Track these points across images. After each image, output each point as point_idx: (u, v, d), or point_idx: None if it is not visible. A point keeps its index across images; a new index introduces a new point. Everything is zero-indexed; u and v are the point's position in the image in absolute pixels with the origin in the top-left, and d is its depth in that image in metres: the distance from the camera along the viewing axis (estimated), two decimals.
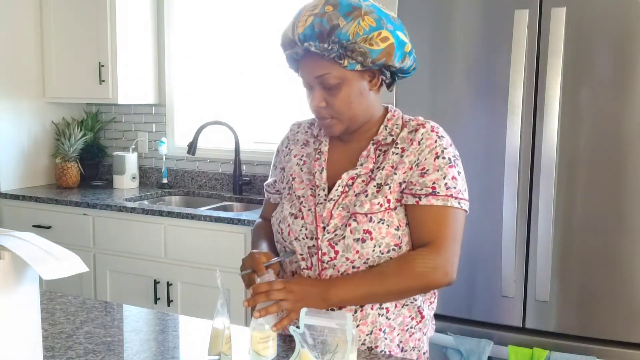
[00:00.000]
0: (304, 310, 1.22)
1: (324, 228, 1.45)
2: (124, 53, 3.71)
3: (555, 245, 2.22)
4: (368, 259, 1.42)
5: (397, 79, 1.49)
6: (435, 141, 1.44)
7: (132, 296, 3.30)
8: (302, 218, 1.48)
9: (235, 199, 3.63)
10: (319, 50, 1.36)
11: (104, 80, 3.68)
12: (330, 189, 1.48)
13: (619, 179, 2.15)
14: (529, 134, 2.24)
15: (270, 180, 1.67)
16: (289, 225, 1.50)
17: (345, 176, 1.47)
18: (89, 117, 4.11)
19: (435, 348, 2.37)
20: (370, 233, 1.41)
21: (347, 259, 1.43)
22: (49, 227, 3.54)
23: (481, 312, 2.37)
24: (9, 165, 3.78)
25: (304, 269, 1.48)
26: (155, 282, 3.25)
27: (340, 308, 1.43)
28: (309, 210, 1.48)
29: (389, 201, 1.43)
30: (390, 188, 1.43)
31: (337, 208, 1.45)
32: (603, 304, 2.20)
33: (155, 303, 3.26)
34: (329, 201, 1.46)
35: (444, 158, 1.43)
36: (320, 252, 1.45)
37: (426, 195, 1.41)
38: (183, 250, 3.19)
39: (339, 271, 1.44)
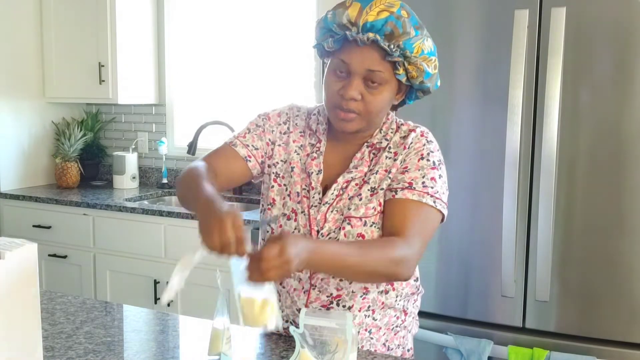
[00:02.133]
0: (303, 310, 1.22)
1: (317, 231, 1.44)
2: (124, 53, 3.71)
3: (555, 245, 2.22)
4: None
5: (405, 103, 1.49)
6: (424, 145, 1.45)
7: (132, 296, 3.30)
8: (295, 220, 1.46)
9: (235, 199, 3.63)
10: (383, 47, 1.32)
11: (104, 80, 3.68)
12: (323, 191, 1.47)
13: (619, 179, 2.15)
14: (529, 134, 2.24)
15: (244, 135, 1.53)
16: (280, 226, 1.48)
17: (341, 180, 1.45)
18: (89, 117, 4.11)
19: (435, 348, 2.37)
20: (363, 237, 1.41)
21: None
22: (49, 227, 3.54)
23: (481, 312, 2.37)
24: (9, 165, 3.78)
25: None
26: (155, 282, 3.25)
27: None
28: (302, 212, 1.46)
29: (380, 204, 1.43)
30: (383, 191, 1.43)
31: (332, 211, 1.44)
32: (603, 304, 2.20)
33: (155, 303, 3.26)
34: (323, 204, 1.45)
35: (428, 160, 1.43)
36: None
37: (402, 189, 1.40)
38: (183, 250, 3.18)
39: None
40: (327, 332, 1.19)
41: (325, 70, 1.43)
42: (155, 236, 3.25)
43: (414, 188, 1.40)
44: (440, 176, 1.44)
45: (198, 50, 3.92)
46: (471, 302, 2.38)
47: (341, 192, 1.45)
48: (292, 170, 1.50)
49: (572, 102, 2.18)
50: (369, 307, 1.46)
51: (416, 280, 1.56)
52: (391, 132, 1.48)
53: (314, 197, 1.46)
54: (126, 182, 3.88)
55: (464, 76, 2.35)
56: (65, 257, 3.52)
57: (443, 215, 1.43)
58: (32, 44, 3.84)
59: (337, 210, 1.44)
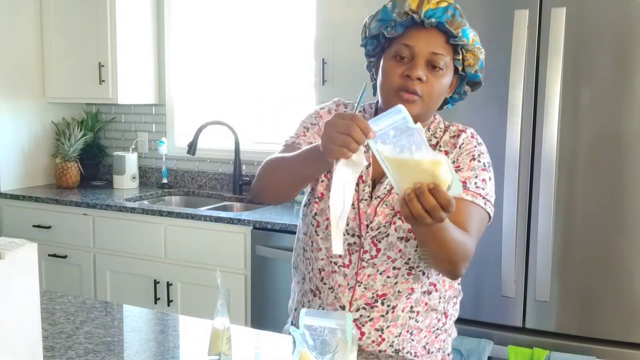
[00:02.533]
0: (303, 311, 1.22)
1: (367, 225, 1.42)
2: (124, 53, 3.71)
3: (555, 245, 2.22)
4: (409, 258, 1.42)
5: (447, 102, 1.50)
6: (475, 146, 1.47)
7: (132, 296, 3.30)
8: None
9: (235, 199, 3.63)
10: (447, 31, 1.37)
11: (104, 80, 3.68)
12: (373, 184, 1.46)
13: (618, 179, 2.15)
14: (529, 134, 2.24)
15: (304, 133, 1.52)
16: (327, 219, 1.45)
17: None
18: (89, 117, 4.11)
19: None
20: (414, 232, 1.39)
21: (389, 257, 1.42)
22: (49, 227, 3.54)
23: (481, 312, 2.37)
24: (9, 165, 3.78)
25: (339, 265, 1.45)
26: (155, 282, 3.25)
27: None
28: (351, 205, 1.40)
29: None
30: None
31: (382, 206, 1.43)
32: (603, 304, 2.20)
33: (155, 303, 3.26)
34: (375, 198, 1.43)
35: (479, 161, 1.45)
36: (362, 249, 1.43)
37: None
38: (183, 250, 3.19)
39: (378, 270, 1.42)
40: (327, 332, 1.19)
41: (382, 60, 1.43)
42: (155, 236, 3.25)
43: (468, 188, 1.41)
44: (490, 178, 1.46)
45: (198, 50, 3.92)
46: (471, 302, 2.38)
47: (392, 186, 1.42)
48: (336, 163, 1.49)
49: (572, 102, 2.18)
50: (411, 307, 1.45)
51: (459, 283, 1.56)
52: (440, 131, 1.50)
53: (363, 190, 1.45)
54: (126, 182, 3.88)
55: None
56: (65, 257, 3.52)
57: (490, 217, 1.45)
58: (32, 44, 3.84)
59: (387, 205, 1.43)
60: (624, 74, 2.12)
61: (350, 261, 1.44)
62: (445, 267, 1.37)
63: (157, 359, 1.38)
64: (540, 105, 2.21)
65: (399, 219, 1.40)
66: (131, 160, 3.89)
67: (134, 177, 3.90)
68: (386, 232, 1.41)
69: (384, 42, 1.44)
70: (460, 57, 1.41)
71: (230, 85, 3.85)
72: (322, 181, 1.50)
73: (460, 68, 1.42)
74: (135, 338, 1.51)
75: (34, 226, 3.57)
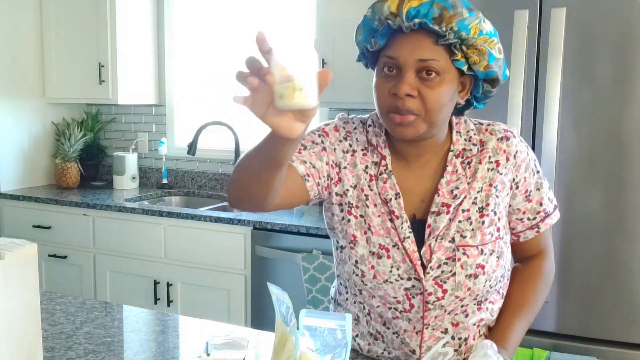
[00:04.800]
0: (303, 311, 1.22)
1: (423, 265, 1.26)
2: (124, 53, 3.71)
3: (555, 245, 2.22)
4: (478, 294, 1.29)
5: (472, 104, 1.31)
6: (528, 154, 1.32)
7: (132, 296, 3.30)
8: (388, 257, 1.26)
9: None
10: (433, 31, 1.15)
11: (104, 81, 3.68)
12: (412, 218, 1.28)
13: (618, 179, 2.15)
14: (529, 134, 2.24)
15: (299, 150, 1.29)
16: (373, 267, 1.28)
17: (453, 203, 1.25)
18: (89, 117, 4.11)
19: None
20: (482, 267, 1.26)
21: (457, 297, 1.27)
22: (49, 228, 3.54)
23: None
24: (9, 166, 3.78)
25: (400, 311, 1.30)
26: (155, 283, 3.25)
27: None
28: (394, 246, 1.26)
29: (498, 230, 1.29)
30: (496, 214, 1.28)
31: (438, 240, 1.25)
32: (603, 304, 2.20)
33: (155, 303, 3.26)
34: (430, 237, 1.26)
35: (538, 172, 1.34)
36: (425, 292, 1.26)
37: (542, 220, 1.35)
38: (183, 251, 3.19)
39: (445, 310, 1.28)
40: (327, 332, 1.19)
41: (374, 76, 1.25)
42: (155, 236, 3.25)
43: (549, 213, 1.35)
44: (545, 180, 1.37)
45: (198, 50, 3.92)
46: None
47: (452, 221, 1.26)
48: (366, 199, 1.29)
49: (572, 102, 2.18)
50: (480, 332, 1.36)
51: None
52: (474, 134, 1.30)
53: (401, 227, 1.26)
54: (126, 183, 3.88)
55: None
56: (65, 257, 3.52)
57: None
58: (32, 44, 3.84)
59: (442, 239, 1.25)
60: (624, 74, 2.12)
61: (411, 305, 1.28)
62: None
63: (157, 359, 1.38)
64: (540, 105, 2.21)
65: (464, 254, 1.24)
66: (131, 161, 3.89)
67: (134, 178, 3.90)
68: (451, 271, 1.25)
69: (369, 56, 1.26)
70: (461, 56, 1.17)
71: (230, 85, 3.85)
72: (349, 221, 1.30)
73: (466, 67, 1.19)
74: (135, 338, 1.51)
75: (34, 226, 3.57)
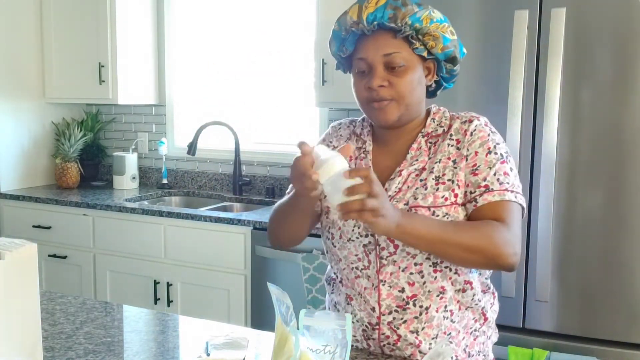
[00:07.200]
0: (303, 311, 1.22)
1: None
2: (124, 53, 3.71)
3: (555, 245, 2.22)
4: (430, 254, 1.38)
5: (442, 85, 1.48)
6: (488, 135, 1.41)
7: (132, 296, 3.30)
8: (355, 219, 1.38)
9: (235, 199, 3.63)
10: (391, 28, 1.35)
11: (104, 81, 3.68)
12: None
13: (618, 179, 2.15)
14: (529, 134, 2.24)
15: None
16: (339, 229, 1.45)
17: (405, 172, 1.41)
18: (89, 117, 4.11)
19: None
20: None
21: (408, 253, 1.38)
22: (49, 228, 3.54)
23: None
24: (9, 166, 3.78)
25: (361, 269, 1.43)
26: (155, 283, 3.25)
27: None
28: None
29: (456, 196, 1.38)
30: (454, 183, 1.38)
31: (393, 202, 1.39)
32: (603, 304, 2.20)
33: (155, 303, 3.26)
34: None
35: (495, 154, 1.39)
36: (378, 247, 1.40)
37: (480, 194, 1.36)
38: (183, 251, 3.19)
39: (399, 267, 1.39)
40: (327, 332, 1.19)
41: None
42: (155, 236, 3.25)
43: (492, 189, 1.36)
44: (511, 169, 1.40)
45: (198, 50, 3.92)
46: None
47: (404, 185, 1.41)
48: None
49: (572, 102, 2.18)
50: (445, 307, 1.41)
51: (486, 278, 1.51)
52: (445, 120, 1.46)
53: None
54: (126, 183, 3.88)
55: (464, 76, 2.35)
56: (65, 257, 3.52)
57: (523, 208, 1.40)
58: (32, 44, 3.84)
59: (397, 201, 1.39)
60: (624, 74, 2.12)
61: (369, 262, 1.42)
62: (481, 263, 1.36)
63: (157, 359, 1.38)
64: (540, 105, 2.21)
65: (415, 213, 1.37)
66: (131, 161, 3.89)
67: (134, 178, 3.90)
68: None
69: (344, 62, 1.47)
70: (419, 44, 1.37)
71: (230, 85, 3.85)
72: (326, 197, 1.44)
73: (425, 53, 1.38)
74: (135, 338, 1.51)
75: (33, 226, 3.57)
